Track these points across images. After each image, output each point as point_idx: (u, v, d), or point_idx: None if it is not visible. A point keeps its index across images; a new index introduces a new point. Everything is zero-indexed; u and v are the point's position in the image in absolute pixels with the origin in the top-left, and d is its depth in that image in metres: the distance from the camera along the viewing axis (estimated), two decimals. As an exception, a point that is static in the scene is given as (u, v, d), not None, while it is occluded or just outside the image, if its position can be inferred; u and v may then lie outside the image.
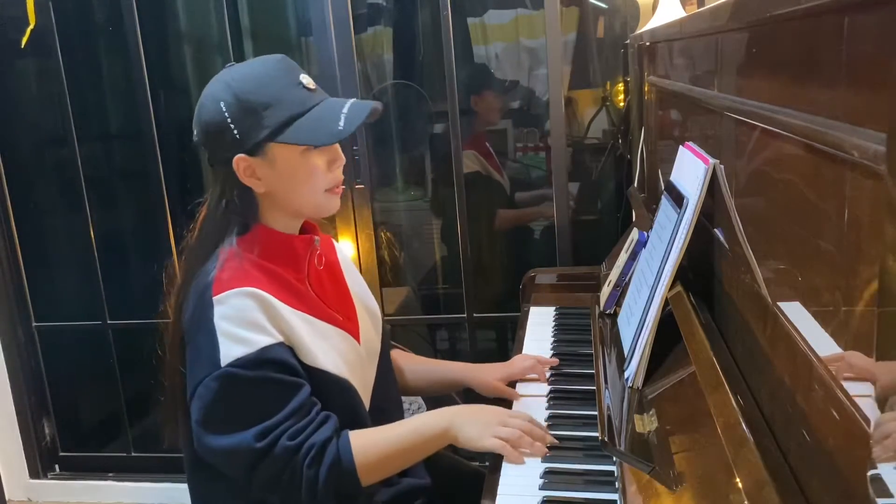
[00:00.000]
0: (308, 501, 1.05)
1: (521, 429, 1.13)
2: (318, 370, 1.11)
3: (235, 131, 1.08)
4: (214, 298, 1.06)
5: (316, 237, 1.21)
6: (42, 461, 2.63)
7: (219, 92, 1.10)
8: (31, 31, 2.32)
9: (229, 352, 1.03)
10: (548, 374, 1.42)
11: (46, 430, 2.64)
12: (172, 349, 1.15)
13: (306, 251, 1.18)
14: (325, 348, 1.13)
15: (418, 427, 1.13)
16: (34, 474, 2.63)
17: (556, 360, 1.46)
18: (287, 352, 1.08)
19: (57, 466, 2.68)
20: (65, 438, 2.68)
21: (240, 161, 1.10)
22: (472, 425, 1.12)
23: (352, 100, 1.14)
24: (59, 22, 2.31)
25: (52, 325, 2.57)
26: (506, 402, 1.36)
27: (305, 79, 1.12)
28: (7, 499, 2.56)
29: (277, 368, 1.06)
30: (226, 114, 1.08)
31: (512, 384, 1.40)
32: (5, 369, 2.52)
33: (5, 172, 2.48)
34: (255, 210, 1.15)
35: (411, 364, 1.46)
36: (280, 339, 1.07)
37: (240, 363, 1.03)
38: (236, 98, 1.08)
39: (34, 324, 2.57)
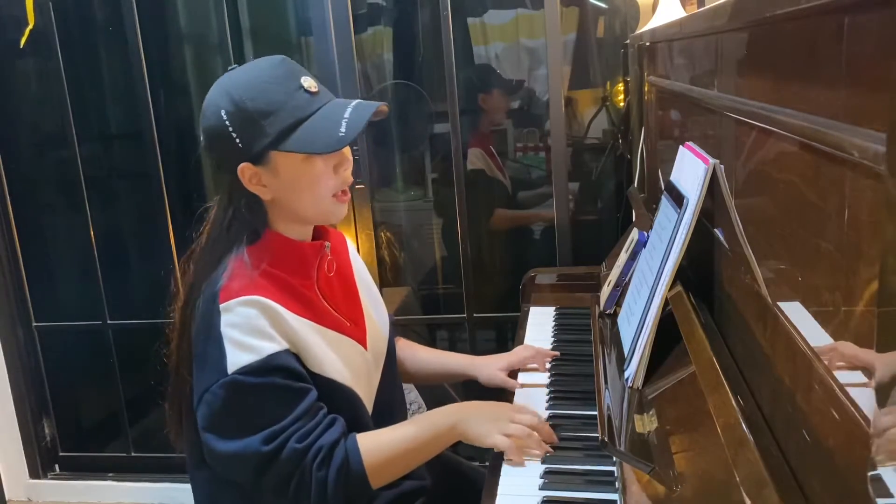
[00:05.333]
0: None
1: (530, 426, 1.13)
2: (324, 378, 1.10)
3: (238, 140, 1.06)
4: (221, 306, 1.04)
5: (327, 242, 1.19)
6: (42, 461, 2.63)
7: (219, 99, 1.07)
8: (31, 31, 2.32)
9: (236, 359, 1.02)
10: (548, 367, 1.45)
11: (46, 430, 2.64)
12: (178, 354, 1.14)
13: (316, 257, 1.17)
14: (332, 357, 1.12)
15: (426, 426, 1.12)
16: (34, 474, 2.62)
17: (556, 353, 1.49)
18: (293, 358, 1.07)
19: (57, 466, 2.68)
20: (65, 438, 2.68)
21: (245, 169, 1.07)
22: (480, 421, 1.11)
23: (356, 101, 1.10)
24: (58, 22, 2.31)
25: (52, 325, 2.57)
26: (507, 393, 1.38)
27: (307, 82, 1.08)
28: (7, 499, 2.56)
29: (284, 375, 1.05)
30: (227, 122, 1.05)
31: (514, 375, 1.42)
32: (5, 369, 2.52)
33: (5, 172, 2.47)
34: (264, 217, 1.13)
35: (409, 351, 1.46)
36: (286, 346, 1.06)
37: (246, 370, 1.02)
38: (236, 106, 1.05)
39: (34, 324, 2.56)
